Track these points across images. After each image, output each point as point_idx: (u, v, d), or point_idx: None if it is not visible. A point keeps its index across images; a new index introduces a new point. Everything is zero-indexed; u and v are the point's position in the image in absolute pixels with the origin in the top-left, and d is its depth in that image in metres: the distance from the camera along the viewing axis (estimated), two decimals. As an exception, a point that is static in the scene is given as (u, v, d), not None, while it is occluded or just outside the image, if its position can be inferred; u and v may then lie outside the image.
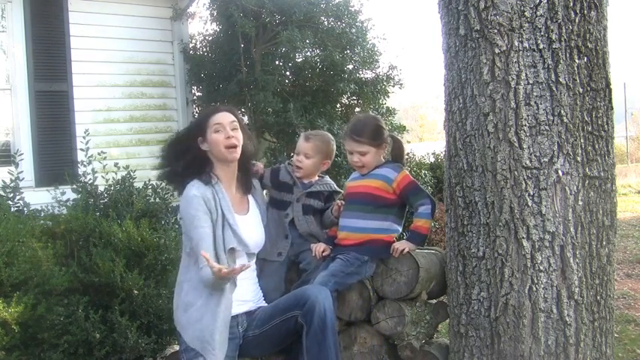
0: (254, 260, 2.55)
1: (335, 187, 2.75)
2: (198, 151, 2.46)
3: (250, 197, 2.61)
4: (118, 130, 5.85)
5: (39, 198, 4.07)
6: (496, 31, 2.13)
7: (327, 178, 2.78)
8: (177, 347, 2.79)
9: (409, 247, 2.47)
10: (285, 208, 2.64)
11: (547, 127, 2.10)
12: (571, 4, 2.11)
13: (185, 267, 2.43)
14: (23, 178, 3.87)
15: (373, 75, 6.77)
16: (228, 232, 2.38)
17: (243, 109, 6.78)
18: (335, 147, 2.78)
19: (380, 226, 2.49)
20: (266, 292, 2.57)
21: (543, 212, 2.10)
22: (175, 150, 2.51)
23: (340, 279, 2.42)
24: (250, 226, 2.51)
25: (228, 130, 2.42)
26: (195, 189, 2.37)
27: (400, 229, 2.57)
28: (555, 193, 2.11)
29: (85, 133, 3.98)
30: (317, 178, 2.74)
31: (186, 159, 2.46)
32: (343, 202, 2.60)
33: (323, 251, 2.57)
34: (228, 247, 2.37)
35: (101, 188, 3.84)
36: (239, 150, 2.46)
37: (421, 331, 2.57)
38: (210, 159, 2.47)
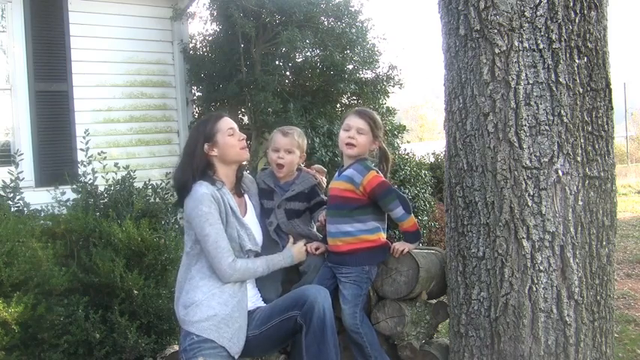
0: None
1: (315, 180, 2.70)
2: (204, 157, 2.48)
3: (247, 199, 2.62)
4: (118, 130, 5.85)
5: (39, 198, 4.07)
6: (496, 31, 2.13)
7: (309, 172, 2.74)
8: (177, 347, 2.79)
9: (408, 247, 2.48)
10: (268, 216, 2.64)
11: (547, 127, 2.10)
12: (571, 4, 2.11)
13: (186, 266, 2.43)
14: (23, 178, 3.87)
15: (373, 75, 6.77)
16: (243, 232, 2.41)
17: (243, 109, 6.78)
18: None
19: (363, 228, 2.47)
20: (263, 294, 2.57)
21: (543, 212, 2.10)
22: (184, 161, 2.52)
23: (362, 301, 2.46)
24: (251, 226, 2.52)
25: (238, 133, 2.51)
26: (204, 187, 2.38)
27: (383, 224, 2.54)
28: (555, 193, 2.11)
29: (85, 133, 3.98)
30: (295, 174, 2.70)
31: (192, 166, 2.46)
32: (324, 219, 2.59)
33: (316, 248, 2.59)
34: (246, 248, 2.40)
35: (101, 188, 3.84)
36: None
37: (421, 331, 2.57)
38: (213, 164, 2.49)
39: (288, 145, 2.63)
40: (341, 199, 2.48)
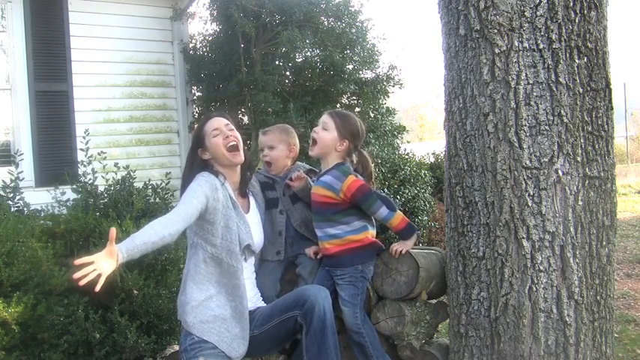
0: (254, 259, 2.55)
1: (307, 166, 2.77)
2: (201, 162, 2.47)
3: (251, 197, 2.62)
4: (118, 130, 5.85)
5: (39, 198, 4.07)
6: (496, 31, 2.13)
7: (299, 163, 2.80)
8: (177, 347, 2.79)
9: (406, 247, 2.47)
10: (276, 205, 2.67)
11: (547, 127, 2.10)
12: (571, 4, 2.11)
13: (188, 258, 2.43)
14: (23, 178, 3.88)
15: (373, 75, 6.76)
16: (243, 227, 2.39)
17: (243, 109, 6.78)
18: (295, 135, 2.78)
19: (348, 229, 2.48)
20: (263, 293, 2.57)
21: (543, 212, 2.10)
22: (185, 170, 2.52)
23: (361, 300, 2.45)
24: (252, 225, 2.52)
25: (225, 131, 2.44)
26: (207, 174, 2.38)
27: (371, 222, 2.54)
28: (555, 193, 2.11)
29: (85, 133, 3.98)
30: (290, 166, 2.74)
31: (192, 172, 2.45)
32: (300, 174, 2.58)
33: (315, 253, 2.60)
34: (244, 244, 2.37)
35: (101, 188, 3.84)
36: (242, 151, 2.47)
37: (421, 331, 2.57)
38: (212, 165, 2.47)
39: (269, 142, 2.70)
40: (322, 205, 2.49)
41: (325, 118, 2.56)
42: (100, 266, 1.92)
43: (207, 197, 2.29)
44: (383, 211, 2.46)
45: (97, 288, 1.91)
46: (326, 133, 2.52)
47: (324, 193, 2.48)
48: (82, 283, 1.87)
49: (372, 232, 2.54)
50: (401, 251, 2.46)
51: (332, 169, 2.51)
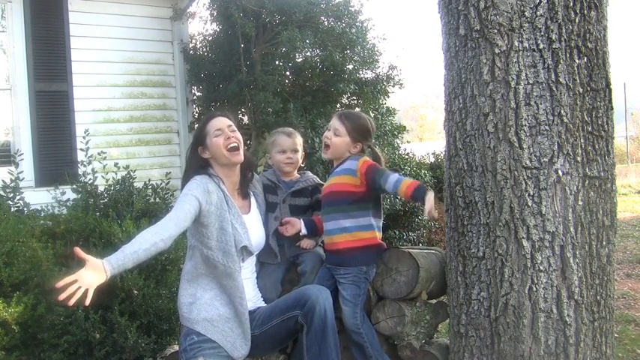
0: (254, 260, 2.55)
1: (317, 180, 2.76)
2: (200, 160, 2.48)
3: (252, 198, 2.62)
4: (118, 130, 5.85)
5: (39, 198, 4.07)
6: (496, 31, 2.13)
7: (309, 173, 2.81)
8: (177, 347, 2.79)
9: (430, 203, 2.23)
10: (273, 210, 2.66)
11: (547, 127, 2.10)
12: (571, 4, 2.11)
13: (187, 258, 2.44)
14: (23, 178, 3.88)
15: (373, 75, 6.76)
16: (239, 229, 2.39)
17: (243, 109, 6.77)
18: None
19: (361, 223, 2.48)
20: (263, 294, 2.57)
21: (543, 212, 2.10)
22: (186, 167, 2.55)
23: (362, 301, 2.46)
24: (252, 226, 2.52)
25: (227, 132, 2.45)
26: (199, 177, 2.39)
27: (378, 222, 2.55)
28: (555, 193, 2.11)
29: (85, 133, 3.98)
30: (298, 175, 2.75)
31: (192, 169, 2.47)
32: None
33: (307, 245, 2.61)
34: (240, 245, 2.37)
35: (101, 188, 3.84)
36: (242, 151, 2.47)
37: (421, 331, 2.57)
38: (211, 165, 2.48)
39: (294, 145, 2.70)
40: (339, 194, 2.49)
41: (336, 124, 2.55)
42: (84, 282, 1.92)
43: (200, 201, 2.30)
44: (395, 175, 2.37)
45: (87, 302, 1.92)
46: (338, 139, 2.53)
47: (342, 181, 2.49)
48: (71, 303, 1.88)
49: (378, 234, 2.54)
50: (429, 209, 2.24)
51: (347, 159, 2.54)
